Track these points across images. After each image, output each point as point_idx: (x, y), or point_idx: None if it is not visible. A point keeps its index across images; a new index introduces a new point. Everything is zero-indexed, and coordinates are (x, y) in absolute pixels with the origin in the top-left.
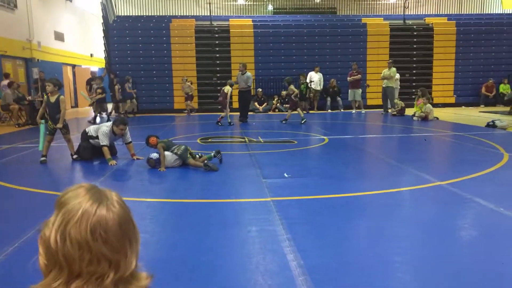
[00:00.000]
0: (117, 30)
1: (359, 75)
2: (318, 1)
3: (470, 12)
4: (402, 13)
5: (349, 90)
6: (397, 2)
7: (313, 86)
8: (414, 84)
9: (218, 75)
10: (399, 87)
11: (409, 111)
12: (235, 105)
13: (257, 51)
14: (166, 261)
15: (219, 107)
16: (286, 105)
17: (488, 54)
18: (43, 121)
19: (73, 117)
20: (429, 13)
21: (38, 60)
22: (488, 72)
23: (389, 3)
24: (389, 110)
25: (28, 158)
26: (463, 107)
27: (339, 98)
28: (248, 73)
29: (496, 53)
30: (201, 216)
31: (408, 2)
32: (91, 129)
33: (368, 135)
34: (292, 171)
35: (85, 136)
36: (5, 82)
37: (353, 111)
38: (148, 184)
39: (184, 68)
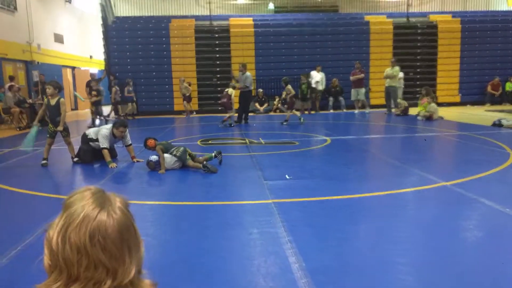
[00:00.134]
0: (116, 31)
1: (362, 74)
2: None
3: (475, 9)
4: (405, 11)
5: (352, 90)
6: None
7: (314, 86)
8: (418, 83)
9: (218, 75)
10: (403, 86)
11: (413, 111)
12: (236, 106)
13: (258, 51)
14: (167, 264)
15: (220, 108)
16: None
17: (493, 52)
18: (35, 126)
19: (73, 120)
20: (433, 10)
21: (38, 62)
22: (494, 70)
23: (392, 1)
24: (393, 110)
25: (29, 161)
26: (468, 106)
27: (341, 98)
28: (248, 73)
29: (502, 51)
30: (202, 219)
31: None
32: (91, 132)
33: (371, 136)
34: (293, 173)
35: (85, 139)
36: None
37: (356, 111)
38: (148, 186)
39: (184, 69)
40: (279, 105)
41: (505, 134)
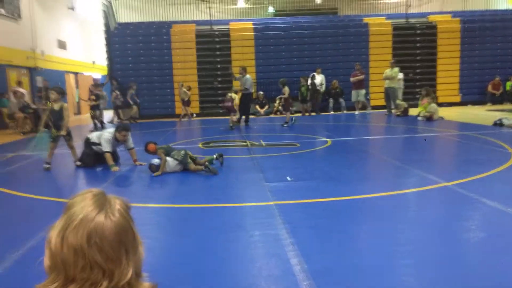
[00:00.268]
0: (119, 37)
1: (362, 76)
2: (319, 2)
3: (474, 9)
4: (404, 12)
5: (353, 91)
6: (400, 0)
7: (319, 88)
8: (418, 83)
9: (219, 79)
10: (403, 87)
11: (413, 111)
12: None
13: (258, 54)
14: (169, 266)
15: (221, 111)
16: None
17: (494, 51)
18: (45, 130)
19: (76, 125)
20: (432, 10)
21: (41, 69)
22: (495, 69)
23: (391, 2)
24: (393, 111)
25: (33, 166)
26: (469, 106)
27: (341, 100)
28: (247, 76)
29: (502, 50)
30: (204, 221)
31: (411, 1)
32: (93, 136)
33: (372, 136)
34: (295, 174)
35: (88, 143)
36: (20, 89)
37: (356, 112)
38: (150, 189)
39: (185, 73)
40: (279, 107)
41: (506, 133)
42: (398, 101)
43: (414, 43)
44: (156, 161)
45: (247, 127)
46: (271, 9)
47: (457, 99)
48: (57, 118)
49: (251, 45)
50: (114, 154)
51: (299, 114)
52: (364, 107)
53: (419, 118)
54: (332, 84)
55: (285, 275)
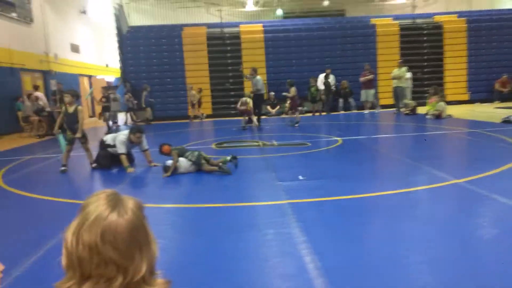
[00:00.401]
0: (131, 40)
1: (371, 75)
2: (326, 4)
3: (480, 8)
4: (411, 13)
5: (362, 91)
6: (406, 1)
7: (333, 88)
8: (426, 82)
9: (230, 80)
10: (411, 86)
11: (422, 110)
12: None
13: (268, 56)
14: (184, 266)
15: (233, 112)
16: (300, 107)
17: (500, 49)
18: (59, 134)
19: (91, 127)
20: (438, 11)
21: (55, 72)
22: (502, 67)
23: (397, 3)
24: (401, 110)
25: (49, 168)
26: (477, 104)
27: (351, 99)
28: (258, 77)
29: (508, 49)
30: (218, 220)
31: (417, 1)
32: (108, 138)
33: (382, 135)
34: (307, 173)
35: (103, 145)
36: (37, 93)
37: (366, 111)
38: (165, 190)
39: (197, 75)
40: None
41: None
42: (406, 100)
43: (421, 43)
44: (170, 162)
45: (259, 127)
46: (279, 12)
47: (465, 97)
48: (72, 120)
49: (261, 46)
50: (129, 156)
51: (310, 114)
52: (373, 107)
53: (428, 117)
54: (342, 84)
55: (299, 273)
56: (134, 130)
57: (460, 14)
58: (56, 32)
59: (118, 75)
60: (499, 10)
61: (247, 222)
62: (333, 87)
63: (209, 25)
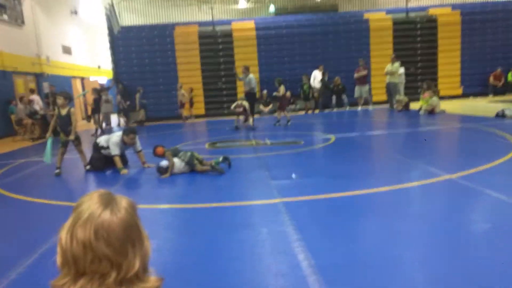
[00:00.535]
0: (122, 40)
1: (365, 71)
2: None
3: (474, 0)
4: (404, 6)
5: (356, 87)
6: None
7: (332, 86)
8: (419, 77)
9: (223, 79)
10: (404, 82)
11: (415, 105)
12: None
13: (261, 53)
14: (179, 266)
15: (226, 111)
16: (292, 105)
17: (494, 42)
18: (50, 138)
19: (84, 129)
20: (432, 4)
21: (47, 75)
22: (496, 60)
23: None
24: (394, 106)
25: (43, 171)
26: (471, 98)
27: (344, 96)
28: (251, 75)
29: (503, 41)
30: (211, 220)
31: None
32: (101, 140)
33: (375, 132)
34: (300, 172)
35: (96, 147)
36: (33, 96)
37: (359, 108)
38: (159, 191)
39: (190, 74)
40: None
41: (508, 124)
42: (398, 97)
43: (415, 37)
44: (164, 163)
45: (252, 126)
46: (272, 8)
47: (459, 91)
48: (65, 123)
49: (253, 44)
50: (122, 157)
51: (302, 112)
52: (366, 103)
53: (421, 112)
54: (335, 81)
55: (293, 271)
56: (128, 131)
57: (454, 6)
58: (47, 33)
59: (111, 76)
60: (494, 2)
61: (241, 221)
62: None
63: (200, 23)
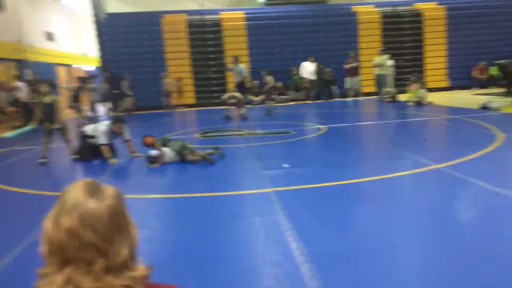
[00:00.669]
0: (109, 28)
1: (356, 63)
2: None
3: None
4: (392, 0)
5: (347, 78)
6: None
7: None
8: (407, 70)
9: (213, 69)
10: (392, 74)
11: (403, 97)
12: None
13: (251, 43)
14: (171, 256)
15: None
16: (283, 96)
17: (479, 37)
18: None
19: (70, 117)
20: None
21: (30, 61)
22: (481, 55)
23: None
24: (383, 97)
25: (28, 160)
26: (457, 90)
27: (334, 87)
28: (241, 65)
29: (488, 36)
30: (203, 210)
31: None
32: (89, 129)
33: (364, 122)
34: (291, 161)
35: (83, 136)
36: (18, 83)
37: (349, 99)
38: (148, 180)
39: (179, 63)
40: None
41: (492, 116)
42: (386, 88)
43: (402, 30)
44: (153, 152)
45: (243, 116)
46: None
47: (445, 84)
48: (50, 111)
49: (243, 34)
50: (111, 147)
51: (293, 103)
52: (356, 94)
53: (409, 104)
54: (325, 72)
55: (286, 260)
56: (115, 120)
57: (440, 1)
58: (29, 19)
59: (98, 64)
60: None
61: (233, 211)
62: (315, 76)
63: (189, 12)
